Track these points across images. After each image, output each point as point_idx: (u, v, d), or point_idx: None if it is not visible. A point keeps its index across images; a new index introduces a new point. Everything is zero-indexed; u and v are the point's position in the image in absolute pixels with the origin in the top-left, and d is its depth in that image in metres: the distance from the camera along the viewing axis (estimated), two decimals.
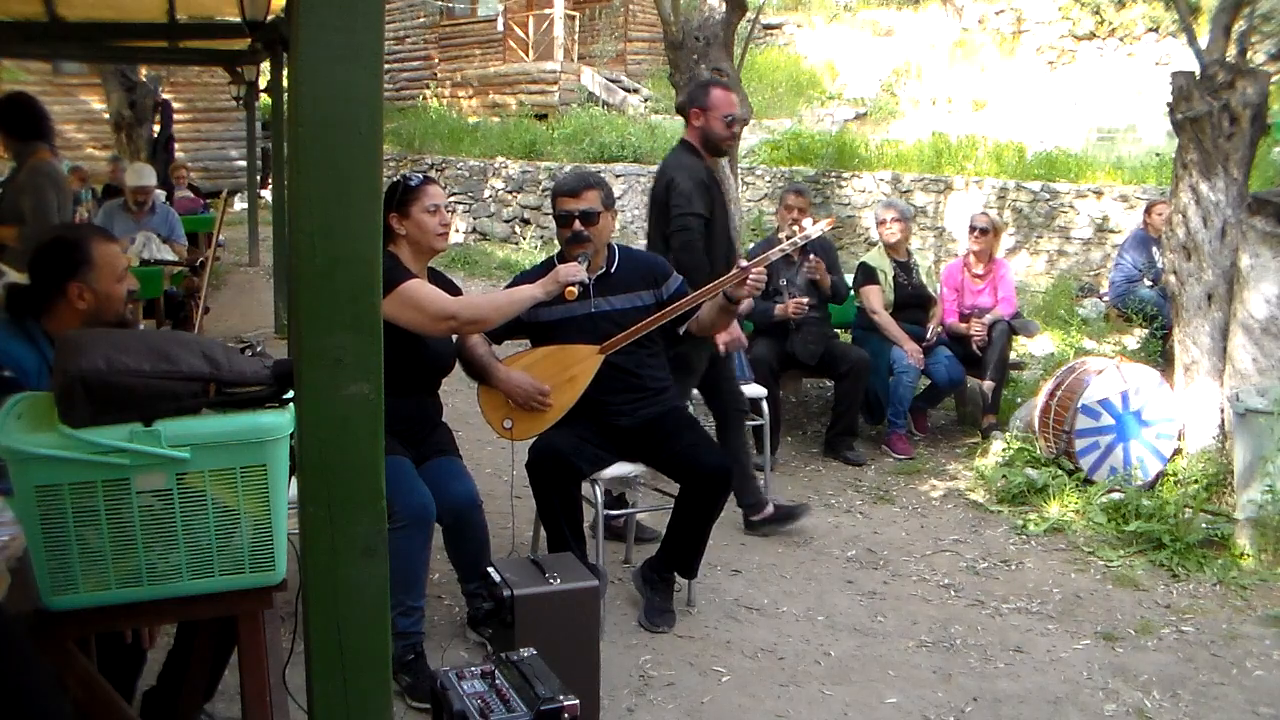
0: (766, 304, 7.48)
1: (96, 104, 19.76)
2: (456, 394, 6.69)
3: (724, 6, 9.94)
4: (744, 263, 4.81)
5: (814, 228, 5.29)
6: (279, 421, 2.62)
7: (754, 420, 7.01)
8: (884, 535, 6.47)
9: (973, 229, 8.57)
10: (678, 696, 4.49)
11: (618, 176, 16.48)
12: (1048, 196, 14.12)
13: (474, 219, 18.88)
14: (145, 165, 10.98)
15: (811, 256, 7.61)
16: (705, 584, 5.51)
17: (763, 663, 4.83)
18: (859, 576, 5.86)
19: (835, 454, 7.87)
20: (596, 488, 5.06)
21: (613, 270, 5.08)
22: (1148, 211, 11.01)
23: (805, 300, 7.57)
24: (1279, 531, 5.93)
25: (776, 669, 4.78)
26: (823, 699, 4.53)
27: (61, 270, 3.53)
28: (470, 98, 24.83)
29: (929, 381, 8.24)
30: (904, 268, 8.27)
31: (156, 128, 16.75)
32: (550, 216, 5.42)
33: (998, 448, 7.65)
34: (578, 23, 24.70)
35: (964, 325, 8.29)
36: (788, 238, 5.37)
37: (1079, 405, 6.98)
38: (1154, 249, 10.49)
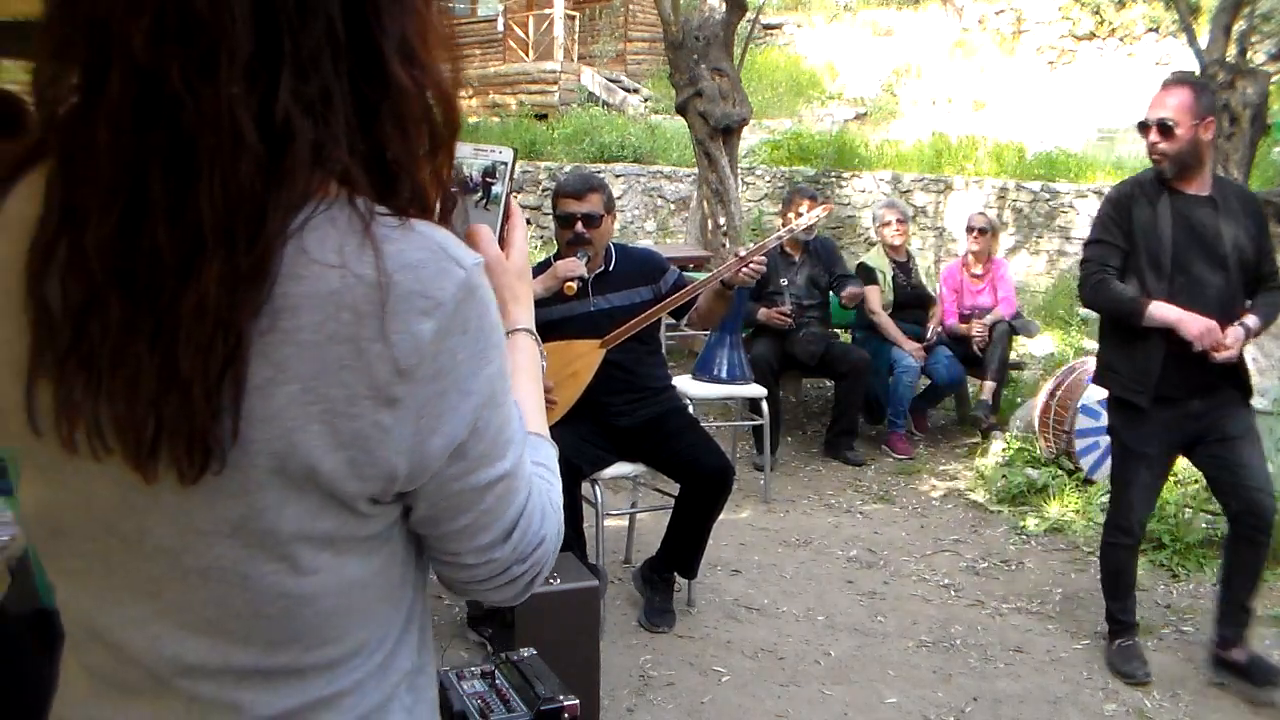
0: (755, 304, 7.48)
1: None
2: None
3: (724, 6, 9.98)
4: (742, 251, 4.83)
5: (809, 214, 5.29)
6: None
7: (754, 420, 7.01)
8: (884, 535, 6.47)
9: (970, 229, 8.58)
10: (678, 696, 4.49)
11: (618, 176, 16.46)
12: (1048, 196, 14.12)
13: None
14: None
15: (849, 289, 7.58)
16: (705, 584, 5.52)
17: (763, 663, 4.83)
18: (859, 576, 5.86)
19: (835, 454, 7.87)
20: (597, 488, 5.07)
21: (611, 268, 5.09)
22: None
23: (787, 310, 7.55)
24: (1278, 532, 5.93)
25: (776, 669, 4.78)
26: (823, 699, 4.53)
27: None
28: (470, 98, 24.78)
29: (929, 381, 8.24)
30: (903, 268, 8.28)
31: None
32: (550, 217, 5.42)
33: (998, 448, 7.64)
34: (578, 23, 24.67)
35: (964, 326, 8.29)
36: (784, 225, 5.36)
37: (1079, 405, 6.97)
38: None
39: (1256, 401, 6.05)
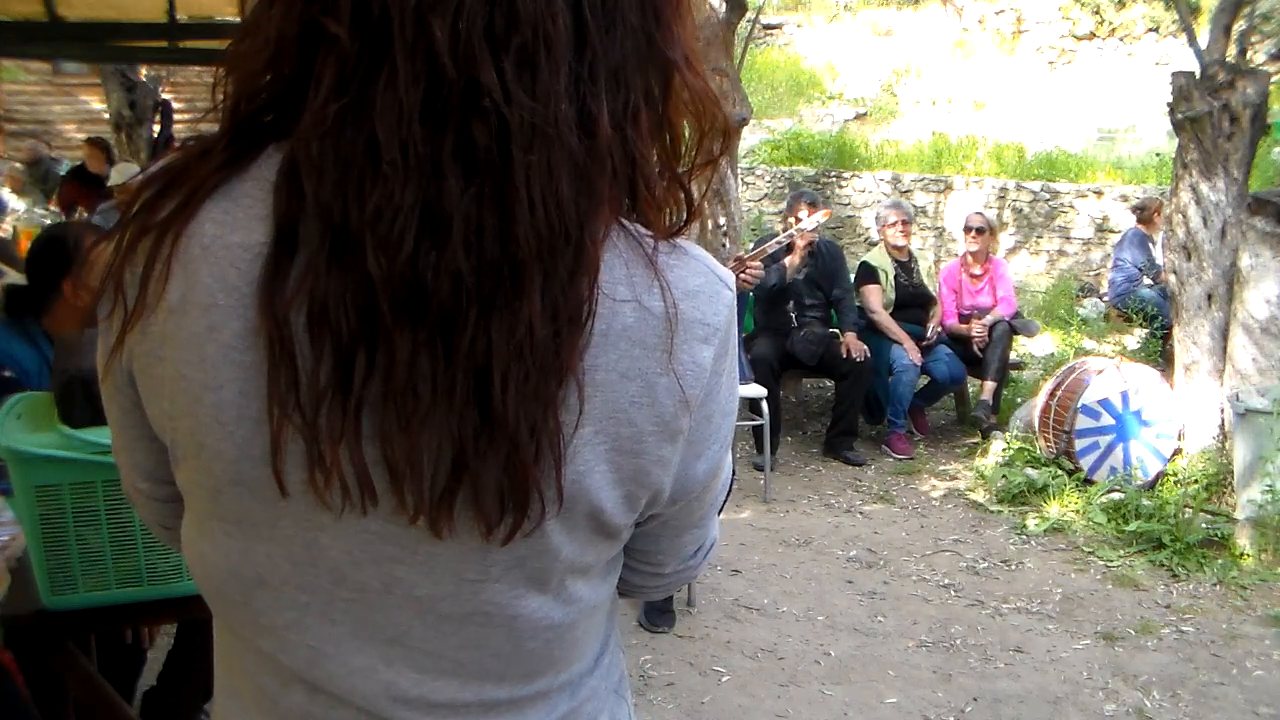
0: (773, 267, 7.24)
1: (96, 104, 19.72)
2: None
3: (724, 6, 9.96)
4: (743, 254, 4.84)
5: (809, 220, 5.29)
6: None
7: (754, 420, 7.01)
8: (884, 535, 6.47)
9: (968, 229, 8.59)
10: (678, 696, 4.49)
11: None
12: (1048, 196, 14.11)
13: None
14: (129, 165, 10.93)
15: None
16: (705, 584, 5.52)
17: (763, 663, 4.83)
18: (859, 576, 5.86)
19: (835, 454, 7.87)
20: None
21: None
22: (1142, 210, 11.10)
23: (808, 229, 7.32)
24: (1279, 531, 5.93)
25: (776, 669, 4.78)
26: (823, 699, 4.53)
27: (56, 268, 3.53)
28: None
29: (928, 380, 8.25)
30: (904, 267, 8.28)
31: (157, 128, 16.70)
32: None
33: (998, 448, 7.64)
34: None
35: (964, 326, 8.30)
36: (784, 229, 5.37)
37: (1079, 405, 6.98)
38: (1150, 246, 10.55)
39: (1256, 401, 6.07)
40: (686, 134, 1.04)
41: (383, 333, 0.89)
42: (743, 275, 4.75)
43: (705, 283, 1.04)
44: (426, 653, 1.05)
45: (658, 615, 5.10)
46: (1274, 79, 7.70)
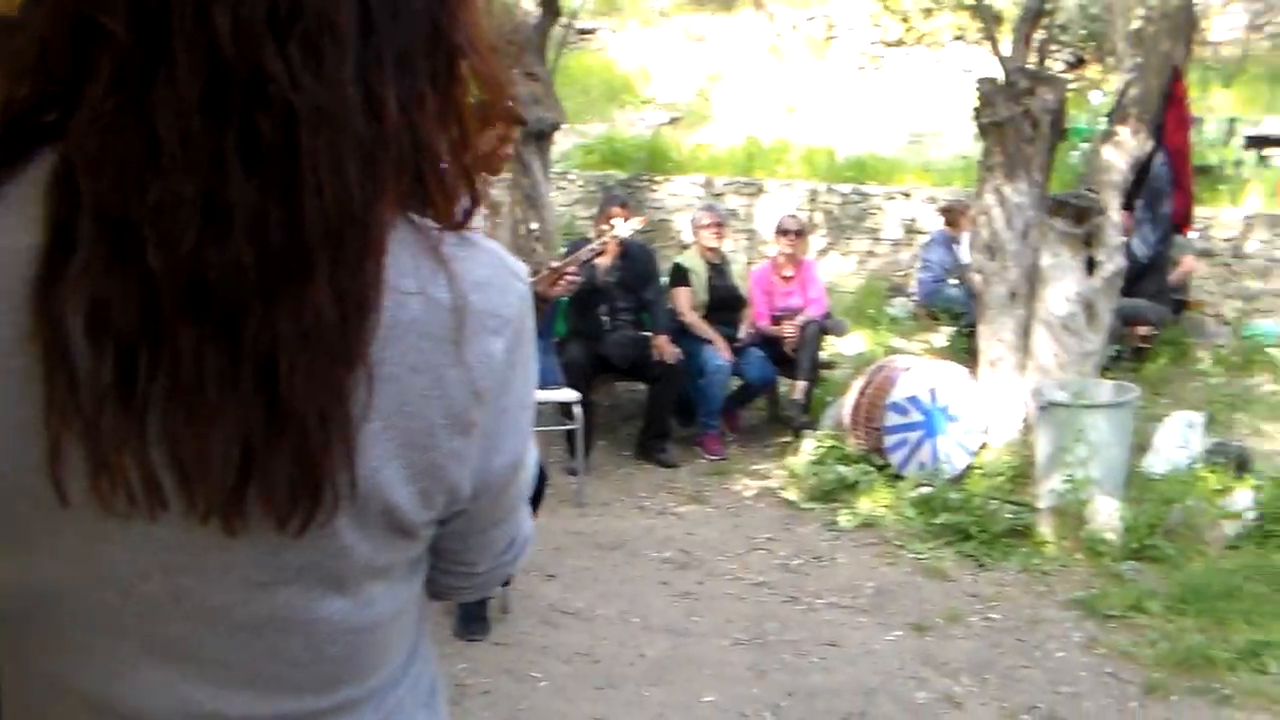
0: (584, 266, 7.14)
1: None
2: None
3: (538, 11, 9.92)
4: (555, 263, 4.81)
5: (623, 226, 5.28)
6: None
7: (567, 425, 6.97)
8: (698, 536, 6.48)
9: (780, 231, 8.65)
10: (494, 704, 4.44)
11: None
12: (858, 199, 14.36)
13: None
14: None
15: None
16: (520, 590, 5.45)
17: (579, 667, 4.80)
18: (674, 577, 5.86)
19: (648, 456, 7.87)
20: None
21: None
22: (948, 212, 11.40)
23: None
24: (1078, 519, 6.11)
25: (593, 672, 4.76)
26: (640, 700, 4.52)
27: None
28: None
29: (740, 382, 8.29)
30: (717, 269, 8.33)
31: None
32: None
33: (809, 446, 7.71)
34: None
35: (776, 327, 8.36)
36: (598, 235, 5.36)
37: (888, 402, 7.09)
38: (955, 247, 10.81)
39: (1056, 395, 6.25)
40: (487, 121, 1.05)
41: (166, 329, 0.87)
42: (558, 286, 4.73)
43: (494, 274, 1.05)
44: (221, 665, 1.01)
45: (472, 623, 5.02)
46: (1071, 86, 7.96)
